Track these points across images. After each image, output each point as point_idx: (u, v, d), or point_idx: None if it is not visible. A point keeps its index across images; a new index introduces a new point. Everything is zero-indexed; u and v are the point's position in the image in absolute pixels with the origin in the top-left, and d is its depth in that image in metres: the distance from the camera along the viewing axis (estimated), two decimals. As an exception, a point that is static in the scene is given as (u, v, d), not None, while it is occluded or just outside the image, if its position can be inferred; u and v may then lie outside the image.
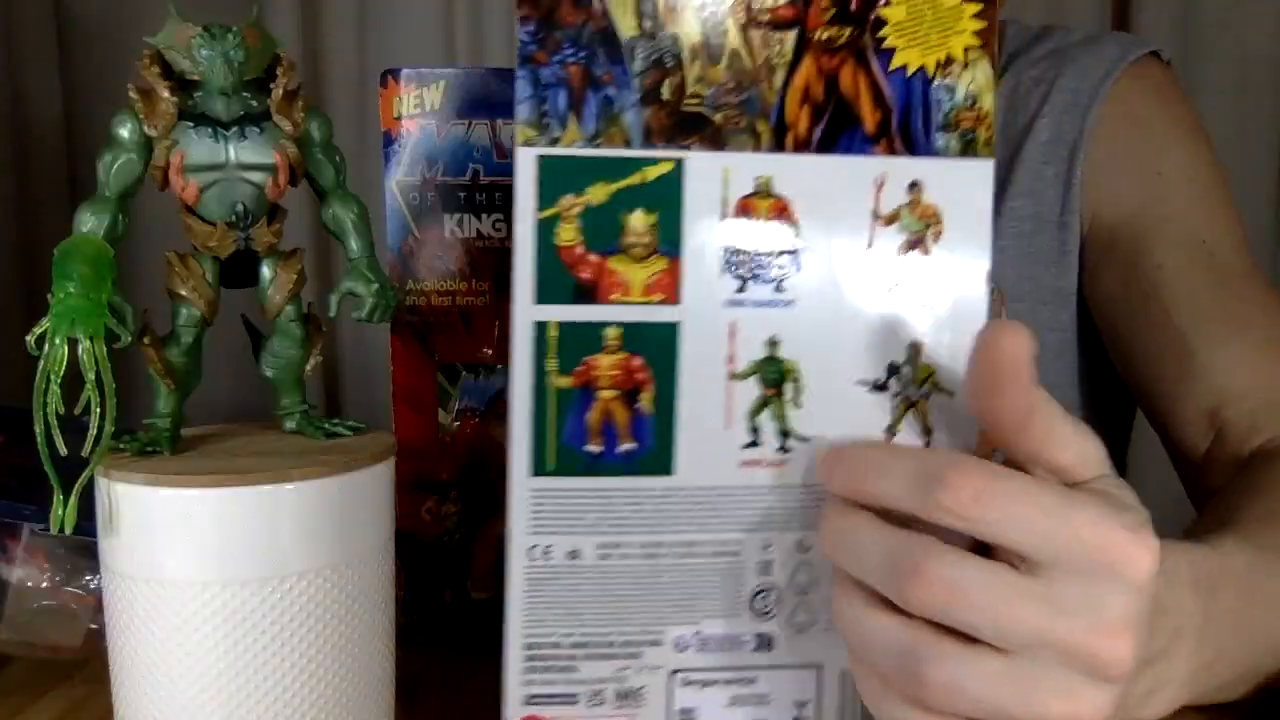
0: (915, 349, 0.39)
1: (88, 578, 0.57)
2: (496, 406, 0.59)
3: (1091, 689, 0.33)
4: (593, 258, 0.38)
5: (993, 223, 0.39)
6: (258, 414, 0.49)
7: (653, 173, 0.38)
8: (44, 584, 0.57)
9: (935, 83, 0.39)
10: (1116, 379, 0.75)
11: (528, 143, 0.37)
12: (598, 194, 0.38)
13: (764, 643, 0.41)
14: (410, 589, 0.61)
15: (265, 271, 0.45)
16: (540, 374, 0.38)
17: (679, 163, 0.38)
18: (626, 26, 0.38)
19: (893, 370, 0.39)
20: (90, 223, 0.41)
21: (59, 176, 1.27)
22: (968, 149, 0.39)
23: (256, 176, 0.43)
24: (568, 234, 0.38)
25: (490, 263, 0.59)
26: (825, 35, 0.38)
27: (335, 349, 1.35)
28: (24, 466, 0.58)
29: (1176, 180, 0.73)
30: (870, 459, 0.37)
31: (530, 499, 0.39)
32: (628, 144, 0.38)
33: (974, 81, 0.39)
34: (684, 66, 0.38)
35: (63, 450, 0.39)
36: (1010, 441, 0.36)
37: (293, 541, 0.40)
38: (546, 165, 0.38)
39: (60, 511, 0.40)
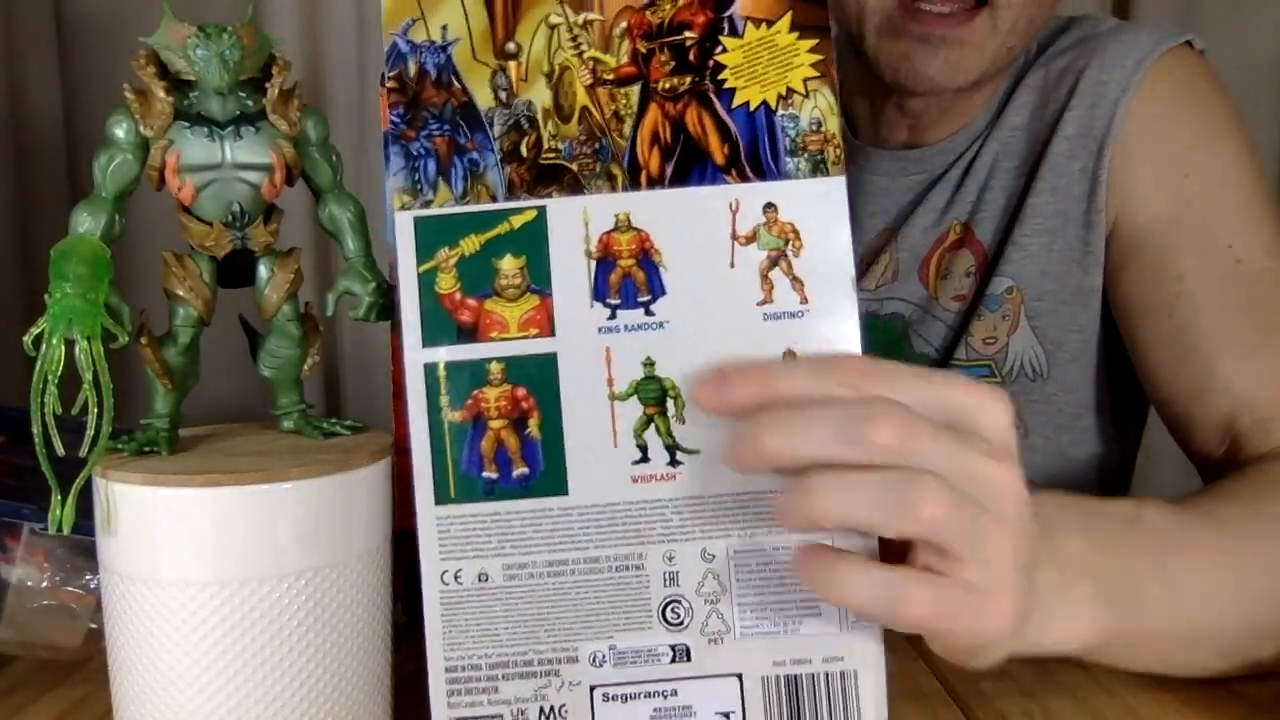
0: (790, 358, 0.42)
1: (88, 578, 0.56)
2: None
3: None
4: (471, 301, 0.42)
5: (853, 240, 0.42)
6: (255, 414, 0.49)
7: (518, 221, 0.42)
8: (44, 584, 0.57)
9: (779, 114, 0.42)
10: (1135, 381, 0.74)
11: (404, 207, 0.42)
12: (470, 245, 0.42)
13: (681, 654, 0.42)
14: (410, 589, 0.60)
15: (262, 271, 0.45)
16: (435, 410, 0.42)
17: (541, 209, 0.42)
18: (483, 99, 0.43)
19: None
20: (87, 223, 0.41)
21: (58, 176, 1.27)
22: (818, 169, 0.42)
23: (253, 176, 0.42)
24: (446, 283, 0.42)
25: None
26: (667, 85, 0.43)
27: (335, 348, 1.35)
28: (24, 466, 0.58)
29: (1204, 181, 0.70)
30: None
31: (437, 527, 0.42)
32: (494, 199, 0.43)
33: (816, 107, 0.42)
34: (539, 126, 0.43)
35: (61, 450, 0.39)
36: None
37: (290, 541, 0.40)
38: (421, 225, 0.42)
39: (58, 512, 0.40)
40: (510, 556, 0.42)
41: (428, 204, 0.42)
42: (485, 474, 0.42)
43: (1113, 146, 0.72)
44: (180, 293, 0.43)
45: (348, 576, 0.41)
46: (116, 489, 0.40)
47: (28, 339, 0.39)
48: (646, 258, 0.42)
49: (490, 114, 0.43)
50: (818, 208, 0.42)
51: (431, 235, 0.42)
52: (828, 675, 0.42)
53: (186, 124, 0.42)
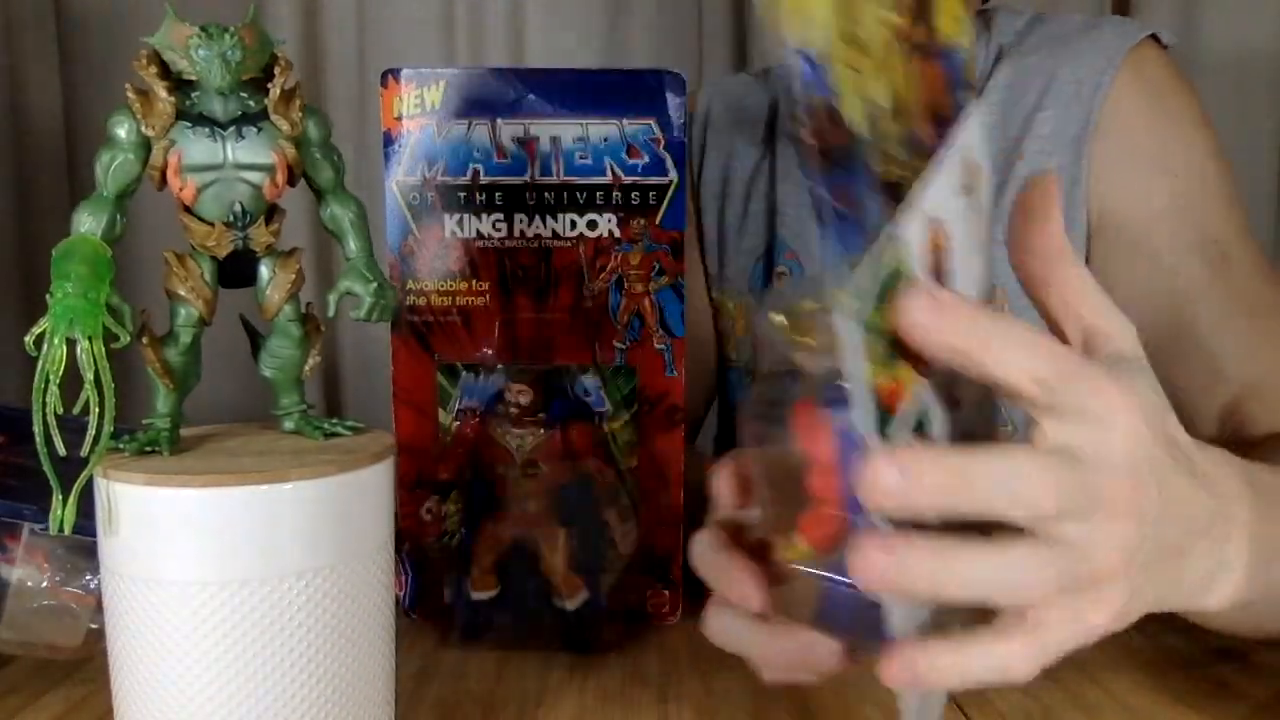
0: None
1: (88, 578, 0.56)
2: (496, 406, 0.59)
3: (1106, 532, 0.34)
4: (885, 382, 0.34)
5: (991, 221, 0.39)
6: (256, 414, 0.49)
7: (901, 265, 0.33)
8: (44, 584, 0.57)
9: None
10: None
11: (845, 311, 0.31)
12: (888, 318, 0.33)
13: None
14: (410, 589, 0.61)
15: (263, 271, 0.44)
16: None
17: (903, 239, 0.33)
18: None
19: None
20: (88, 223, 0.41)
21: (58, 176, 1.27)
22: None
23: (254, 176, 0.42)
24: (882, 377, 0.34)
25: (490, 263, 0.59)
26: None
27: (335, 349, 1.35)
28: (24, 466, 0.58)
29: (1185, 177, 0.71)
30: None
31: None
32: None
33: None
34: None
35: (62, 450, 0.39)
36: (1043, 291, 0.39)
37: (291, 541, 0.40)
38: (869, 329, 0.33)
39: (59, 512, 0.40)
40: None
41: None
42: None
43: (1091, 144, 0.72)
44: (181, 293, 0.43)
45: (349, 577, 0.41)
46: (118, 489, 0.40)
47: (29, 339, 0.39)
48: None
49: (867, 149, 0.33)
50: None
51: (871, 336, 0.33)
52: None
53: (188, 124, 0.42)
